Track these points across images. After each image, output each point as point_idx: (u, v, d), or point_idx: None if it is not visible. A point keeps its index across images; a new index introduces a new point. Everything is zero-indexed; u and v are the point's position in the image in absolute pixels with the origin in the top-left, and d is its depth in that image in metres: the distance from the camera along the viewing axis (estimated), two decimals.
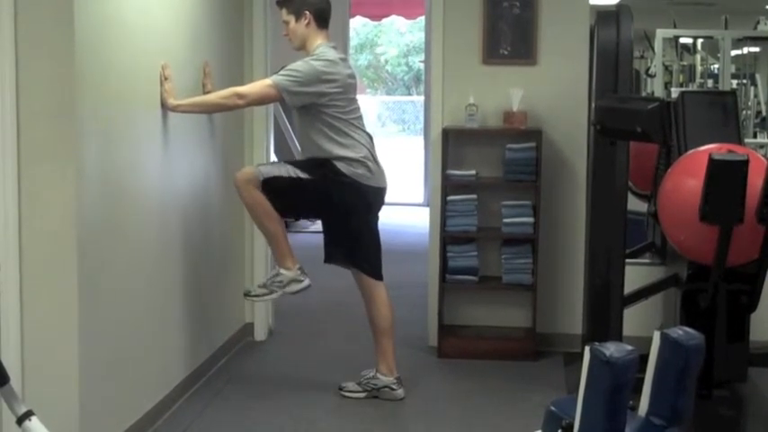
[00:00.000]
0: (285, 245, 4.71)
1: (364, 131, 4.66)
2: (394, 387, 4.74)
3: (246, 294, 4.76)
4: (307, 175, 4.56)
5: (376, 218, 4.78)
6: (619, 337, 4.54)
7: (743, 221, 3.90)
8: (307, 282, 4.72)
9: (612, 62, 4.69)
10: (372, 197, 4.67)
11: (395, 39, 22.57)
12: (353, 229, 4.70)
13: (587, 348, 2.51)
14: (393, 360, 4.79)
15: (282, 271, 4.69)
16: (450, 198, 5.48)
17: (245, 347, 5.66)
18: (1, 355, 3.38)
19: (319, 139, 4.56)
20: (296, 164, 4.70)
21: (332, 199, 4.60)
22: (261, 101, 4.78)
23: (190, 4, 4.77)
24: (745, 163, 3.85)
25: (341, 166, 4.54)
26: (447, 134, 5.50)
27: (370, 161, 4.63)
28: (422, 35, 14.92)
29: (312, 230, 9.78)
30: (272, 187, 4.56)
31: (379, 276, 4.79)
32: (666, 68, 8.40)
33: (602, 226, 4.75)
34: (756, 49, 8.65)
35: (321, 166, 4.57)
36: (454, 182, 5.49)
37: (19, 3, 3.49)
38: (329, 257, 4.81)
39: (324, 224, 4.82)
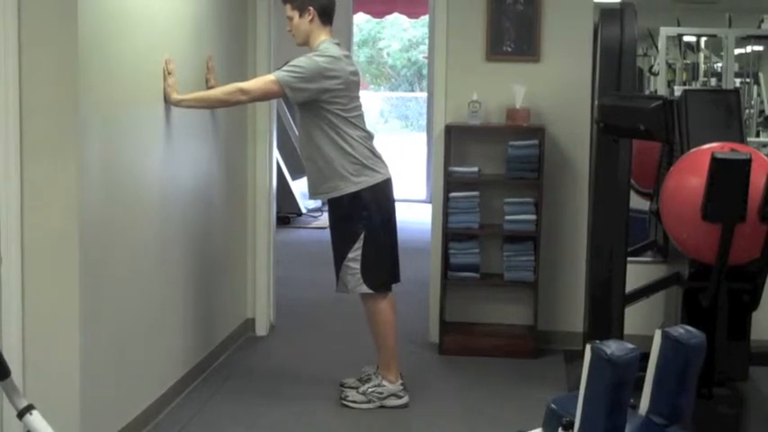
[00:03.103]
0: (394, 357, 4.69)
1: (365, 130, 4.65)
2: (400, 395, 4.72)
3: (343, 399, 4.68)
4: (361, 235, 4.55)
5: (387, 211, 4.74)
6: (620, 335, 4.54)
7: (745, 220, 3.89)
8: (406, 399, 4.68)
9: (616, 60, 4.68)
10: (380, 192, 4.64)
11: (398, 33, 22.56)
12: (391, 232, 4.70)
13: (588, 346, 2.51)
14: (395, 357, 4.78)
15: (385, 383, 4.67)
16: (452, 195, 5.48)
17: (247, 343, 5.67)
18: (2, 349, 3.38)
19: (318, 137, 4.55)
20: (344, 242, 4.60)
21: (373, 217, 4.58)
22: (264, 96, 4.77)
23: None
24: (748, 162, 3.84)
25: (349, 186, 4.53)
26: (450, 131, 5.50)
27: (370, 157, 4.60)
28: (425, 30, 14.91)
29: (314, 226, 9.80)
30: (371, 276, 4.58)
31: (396, 279, 4.81)
32: (670, 66, 8.38)
33: (604, 224, 4.74)
34: (760, 48, 8.63)
35: (348, 218, 4.56)
36: (457, 179, 5.49)
37: None
38: (388, 282, 4.71)
39: (367, 246, 4.61)
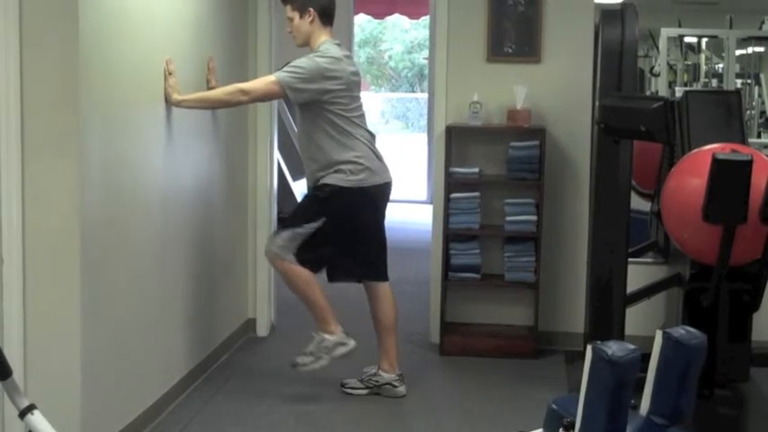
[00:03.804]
0: (327, 310, 4.68)
1: (366, 130, 4.66)
2: (396, 384, 4.75)
3: (294, 365, 4.70)
4: (320, 220, 4.56)
5: (383, 215, 4.77)
6: (621, 335, 4.54)
7: (746, 221, 3.89)
8: (352, 343, 4.69)
9: (617, 61, 4.68)
10: (379, 194, 4.66)
11: (399, 35, 22.56)
12: (361, 235, 4.68)
13: (589, 347, 2.50)
14: (395, 357, 4.80)
15: (326, 336, 4.67)
16: (453, 195, 5.48)
17: (248, 343, 5.67)
18: (3, 348, 3.38)
19: (320, 137, 4.56)
20: (304, 216, 4.63)
21: (343, 214, 4.59)
22: (265, 97, 4.77)
23: None
24: (749, 163, 3.84)
25: (341, 180, 4.54)
26: (450, 132, 5.50)
27: (373, 159, 4.62)
28: (426, 32, 14.91)
29: None
30: (304, 255, 4.58)
31: (385, 277, 4.79)
32: (671, 67, 8.38)
33: (605, 224, 4.74)
34: (761, 49, 8.62)
35: (323, 201, 4.56)
36: (457, 179, 5.49)
37: None
38: (337, 275, 4.76)
39: (335, 243, 4.66)
